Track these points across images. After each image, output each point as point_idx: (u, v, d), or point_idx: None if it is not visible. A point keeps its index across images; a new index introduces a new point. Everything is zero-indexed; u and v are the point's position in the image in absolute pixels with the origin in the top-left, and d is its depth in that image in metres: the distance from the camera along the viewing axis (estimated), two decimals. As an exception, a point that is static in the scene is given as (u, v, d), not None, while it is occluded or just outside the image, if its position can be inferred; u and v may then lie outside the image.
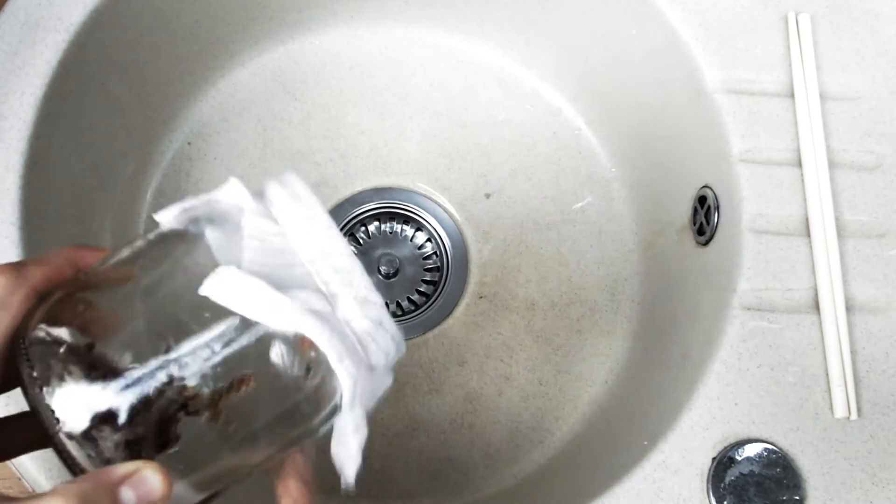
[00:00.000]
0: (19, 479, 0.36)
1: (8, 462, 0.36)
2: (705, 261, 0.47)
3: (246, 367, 0.23)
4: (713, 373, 0.40)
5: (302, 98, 0.56)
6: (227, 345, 0.22)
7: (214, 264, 0.22)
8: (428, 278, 0.55)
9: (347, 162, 0.55)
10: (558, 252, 0.54)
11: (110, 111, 0.47)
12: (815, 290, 0.42)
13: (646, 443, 0.40)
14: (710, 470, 0.39)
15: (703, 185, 0.47)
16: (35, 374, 0.21)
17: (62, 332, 0.22)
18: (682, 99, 0.48)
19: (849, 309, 0.41)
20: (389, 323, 0.25)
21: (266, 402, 0.24)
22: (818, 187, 0.43)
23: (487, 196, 0.55)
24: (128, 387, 0.21)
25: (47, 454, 0.36)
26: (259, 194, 0.25)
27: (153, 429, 0.22)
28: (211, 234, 0.24)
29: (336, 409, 0.25)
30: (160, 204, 0.52)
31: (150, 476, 0.21)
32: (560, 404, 0.51)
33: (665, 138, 0.51)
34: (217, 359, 0.22)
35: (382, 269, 0.54)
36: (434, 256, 0.55)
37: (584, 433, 0.49)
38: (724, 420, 0.39)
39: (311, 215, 0.24)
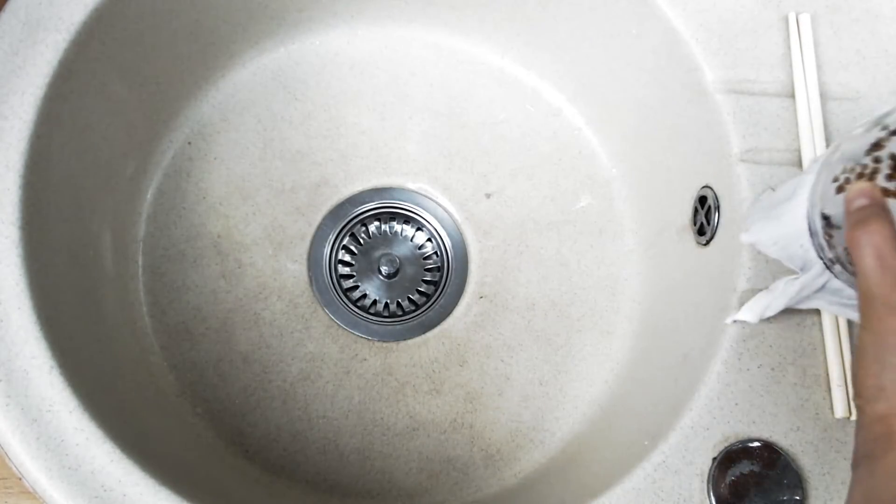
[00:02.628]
0: (20, 479, 0.36)
1: (8, 462, 0.36)
2: (705, 261, 0.47)
3: None
4: (713, 373, 0.40)
5: (302, 98, 0.56)
6: None
7: None
8: (428, 278, 0.55)
9: (347, 162, 0.55)
10: (558, 252, 0.54)
11: (110, 111, 0.47)
12: (816, 290, 0.42)
13: (646, 443, 0.40)
14: (710, 470, 0.39)
15: (704, 185, 0.47)
16: None
17: None
18: (682, 99, 0.48)
19: (849, 309, 0.41)
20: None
21: None
22: (819, 187, 0.43)
23: (487, 196, 0.55)
24: None
25: (47, 454, 0.36)
26: None
27: None
28: None
29: None
30: (160, 204, 0.52)
31: None
32: (560, 404, 0.51)
33: (665, 138, 0.51)
34: None
35: (383, 269, 0.54)
36: (434, 256, 0.55)
37: (584, 433, 0.49)
38: (724, 420, 0.40)
39: None
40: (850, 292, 0.36)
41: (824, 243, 0.34)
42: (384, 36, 0.57)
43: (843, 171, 0.32)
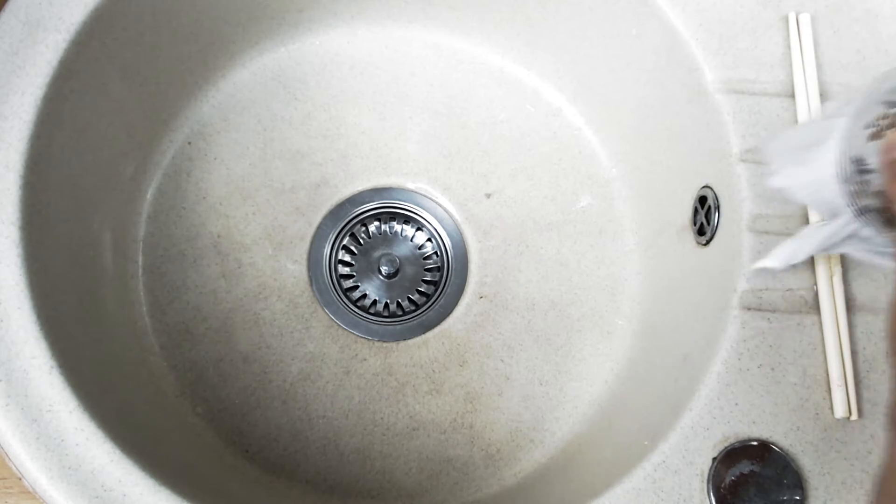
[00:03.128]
0: (20, 479, 0.36)
1: (8, 462, 0.36)
2: (705, 261, 0.47)
3: None
4: (713, 373, 0.40)
5: (302, 98, 0.56)
6: None
7: None
8: (428, 278, 0.55)
9: (347, 162, 0.55)
10: (558, 252, 0.54)
11: (110, 111, 0.47)
12: (815, 289, 0.42)
13: (646, 443, 0.40)
14: (710, 470, 0.39)
15: (704, 185, 0.47)
16: None
17: None
18: (682, 99, 0.48)
19: (849, 309, 0.41)
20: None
21: None
22: (819, 187, 0.43)
23: (487, 196, 0.55)
24: None
25: (47, 454, 0.36)
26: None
27: None
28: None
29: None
30: (160, 204, 0.52)
31: None
32: (560, 404, 0.51)
33: (665, 138, 0.51)
34: None
35: (383, 269, 0.54)
36: (434, 256, 0.55)
37: (584, 433, 0.49)
38: (724, 420, 0.40)
39: None
40: (882, 240, 0.35)
41: (856, 190, 0.34)
42: (384, 36, 0.57)
43: (878, 118, 0.32)
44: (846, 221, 0.36)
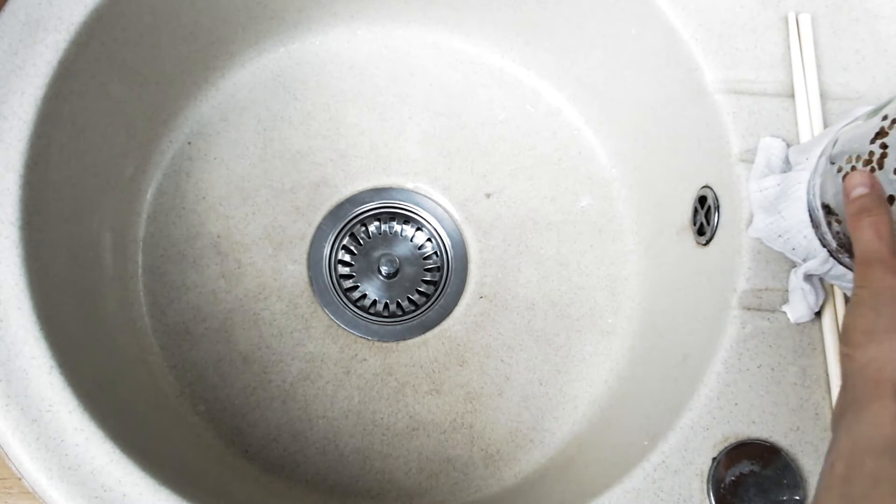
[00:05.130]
0: (20, 479, 0.36)
1: (8, 462, 0.36)
2: (705, 261, 0.47)
3: None
4: (713, 373, 0.40)
5: (302, 98, 0.56)
6: None
7: None
8: (428, 278, 0.55)
9: (347, 162, 0.55)
10: (558, 252, 0.54)
11: (110, 111, 0.47)
12: (815, 290, 0.42)
13: (646, 443, 0.40)
14: (710, 470, 0.39)
15: (703, 185, 0.47)
16: None
17: None
18: (682, 99, 0.48)
19: (849, 309, 0.41)
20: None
21: None
22: (819, 187, 0.44)
23: (487, 196, 0.55)
24: None
25: (47, 454, 0.36)
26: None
27: None
28: None
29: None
30: (160, 204, 0.52)
31: None
32: (560, 404, 0.51)
33: (665, 138, 0.51)
34: None
35: (382, 269, 0.54)
36: (434, 256, 0.55)
37: (584, 433, 0.49)
38: (724, 420, 0.40)
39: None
40: (852, 276, 0.38)
41: (827, 231, 0.36)
42: (384, 36, 0.57)
43: (847, 161, 0.34)
44: (822, 262, 0.38)
